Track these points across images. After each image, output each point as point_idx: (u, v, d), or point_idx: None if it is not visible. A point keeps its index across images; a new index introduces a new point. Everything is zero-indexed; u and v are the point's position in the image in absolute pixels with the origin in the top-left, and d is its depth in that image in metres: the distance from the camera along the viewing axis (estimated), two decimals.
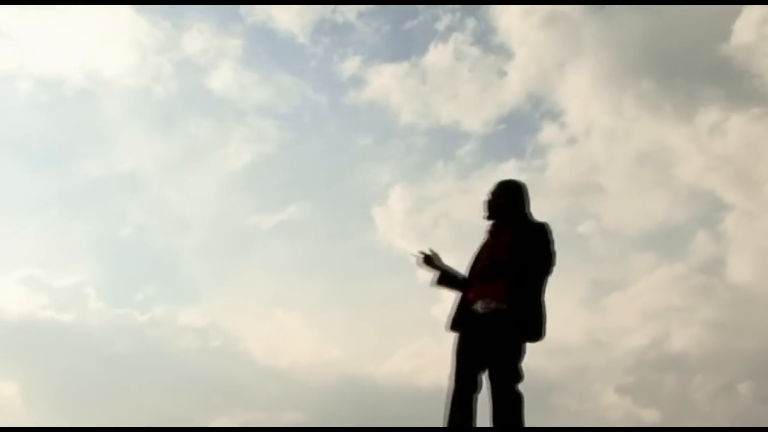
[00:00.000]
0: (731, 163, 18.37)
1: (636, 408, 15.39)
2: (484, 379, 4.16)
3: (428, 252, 4.57)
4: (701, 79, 18.60)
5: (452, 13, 19.44)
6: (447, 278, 4.55)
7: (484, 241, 4.47)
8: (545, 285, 4.25)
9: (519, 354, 4.12)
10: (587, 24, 18.95)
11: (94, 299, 18.65)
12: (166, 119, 21.19)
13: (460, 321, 4.35)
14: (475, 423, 4.13)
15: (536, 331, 4.16)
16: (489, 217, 4.50)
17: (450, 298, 4.50)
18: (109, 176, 21.17)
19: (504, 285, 4.18)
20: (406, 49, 20.73)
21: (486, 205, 4.51)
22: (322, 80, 20.83)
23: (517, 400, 4.05)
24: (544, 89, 20.08)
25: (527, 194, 4.50)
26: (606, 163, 20.05)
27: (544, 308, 4.22)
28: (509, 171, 19.80)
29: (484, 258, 4.37)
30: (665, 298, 18.29)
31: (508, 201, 4.46)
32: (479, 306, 4.22)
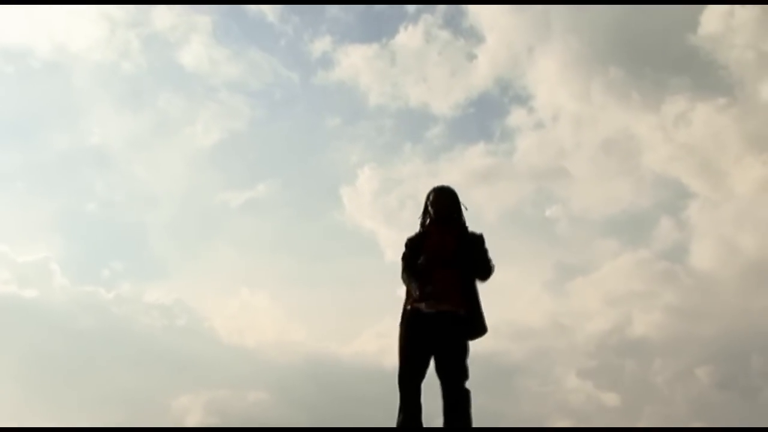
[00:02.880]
0: (696, 152, 18.66)
1: (597, 391, 15.68)
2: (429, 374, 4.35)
3: None
4: (669, 68, 18.82)
5: None
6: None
7: (422, 239, 4.62)
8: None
9: (467, 353, 4.34)
10: (557, 10, 19.01)
11: (59, 275, 18.45)
12: (136, 94, 20.94)
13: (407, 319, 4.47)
14: (421, 420, 4.30)
15: (482, 329, 4.41)
16: (432, 220, 4.65)
17: None
18: (76, 150, 20.92)
19: (451, 287, 4.38)
20: (376, 30, 20.68)
21: (435, 209, 4.65)
22: (293, 58, 20.72)
23: (466, 397, 4.27)
24: (513, 74, 20.18)
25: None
26: (573, 148, 20.22)
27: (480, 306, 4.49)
28: (478, 154, 19.93)
29: (428, 259, 4.49)
30: (628, 284, 18.58)
31: (455, 207, 4.65)
32: (424, 306, 4.35)
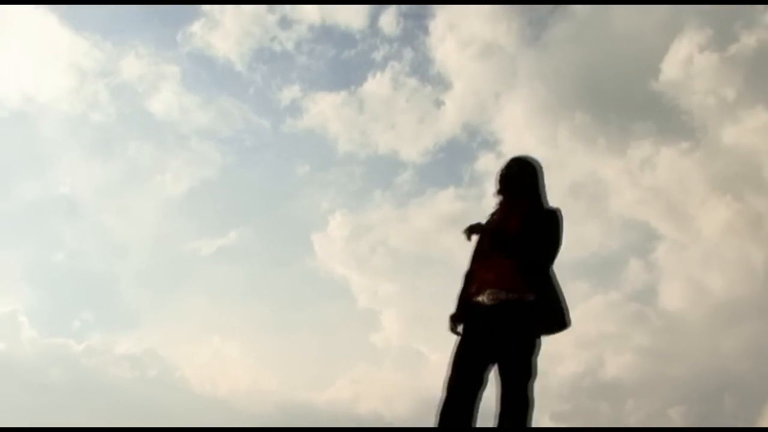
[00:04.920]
0: (662, 195, 19.05)
1: None
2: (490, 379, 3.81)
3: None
4: (633, 114, 19.32)
5: (389, 44, 19.74)
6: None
7: (489, 219, 4.00)
8: (553, 272, 3.89)
9: (533, 349, 3.72)
10: (522, 57, 19.49)
11: (27, 328, 18.15)
12: (105, 143, 20.96)
13: (461, 317, 3.86)
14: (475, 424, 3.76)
15: (561, 321, 3.82)
16: (500, 192, 4.02)
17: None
18: (45, 200, 20.78)
19: (513, 272, 3.75)
20: (343, 78, 20.96)
21: (500, 178, 4.02)
22: (262, 106, 20.94)
23: (527, 402, 3.68)
24: (481, 119, 20.52)
25: (543, 175, 4.07)
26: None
27: (563, 295, 3.88)
28: (447, 199, 20.17)
29: (487, 241, 3.88)
30: (600, 326, 18.72)
31: (526, 178, 4.00)
32: (486, 297, 3.75)
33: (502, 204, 3.99)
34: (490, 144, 20.49)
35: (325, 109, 20.48)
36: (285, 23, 19.49)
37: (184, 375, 18.46)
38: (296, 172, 21.26)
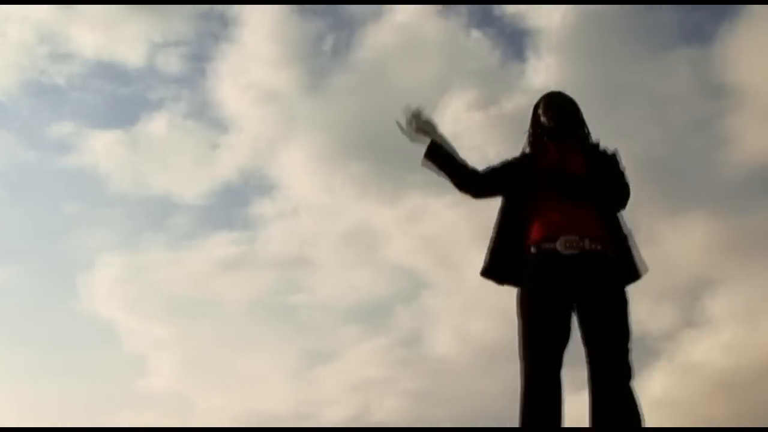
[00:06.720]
0: (430, 244, 20.05)
1: None
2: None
3: (419, 115, 3.40)
4: (406, 165, 20.19)
5: (167, 84, 19.40)
6: (441, 153, 3.47)
7: (530, 159, 3.28)
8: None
9: (628, 306, 2.99)
10: (302, 104, 19.86)
11: None
12: None
13: (511, 267, 3.11)
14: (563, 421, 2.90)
15: (636, 272, 3.09)
16: (553, 134, 3.26)
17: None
18: None
19: (591, 220, 3.03)
20: (118, 116, 20.22)
21: (551, 115, 3.26)
22: (29, 140, 19.69)
23: (630, 371, 2.86)
24: (258, 164, 20.59)
25: None
26: (316, 238, 20.85)
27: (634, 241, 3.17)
28: (221, 242, 19.94)
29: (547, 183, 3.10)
30: (369, 370, 19.21)
31: (577, 115, 3.32)
32: (561, 245, 2.97)
33: (552, 145, 3.26)
34: (266, 189, 20.57)
35: (97, 146, 19.58)
36: (56, 57, 18.49)
37: None
38: (64, 211, 20.07)
